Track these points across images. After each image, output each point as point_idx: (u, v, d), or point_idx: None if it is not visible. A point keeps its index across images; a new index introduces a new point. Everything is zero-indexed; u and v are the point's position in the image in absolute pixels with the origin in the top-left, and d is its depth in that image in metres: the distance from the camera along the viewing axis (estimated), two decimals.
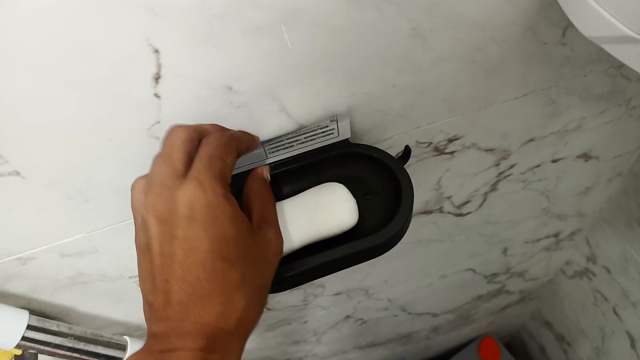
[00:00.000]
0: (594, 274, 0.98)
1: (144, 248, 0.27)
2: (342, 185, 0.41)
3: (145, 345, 0.26)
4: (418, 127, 0.49)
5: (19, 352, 0.43)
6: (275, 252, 0.32)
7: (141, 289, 0.29)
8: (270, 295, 0.67)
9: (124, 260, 0.49)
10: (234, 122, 0.39)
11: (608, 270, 0.93)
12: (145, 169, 0.39)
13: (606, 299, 0.97)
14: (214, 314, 0.25)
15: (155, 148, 0.38)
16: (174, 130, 0.30)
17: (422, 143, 0.51)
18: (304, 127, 0.42)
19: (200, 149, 0.29)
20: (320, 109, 0.41)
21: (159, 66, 0.33)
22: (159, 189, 0.27)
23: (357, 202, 0.41)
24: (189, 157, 0.28)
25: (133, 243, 0.47)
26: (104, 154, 0.37)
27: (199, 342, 0.24)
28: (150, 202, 0.27)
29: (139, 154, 0.38)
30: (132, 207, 0.30)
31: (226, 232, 0.26)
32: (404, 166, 0.43)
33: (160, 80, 0.34)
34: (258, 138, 0.37)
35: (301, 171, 0.43)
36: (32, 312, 0.50)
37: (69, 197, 0.39)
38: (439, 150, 0.54)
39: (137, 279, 0.53)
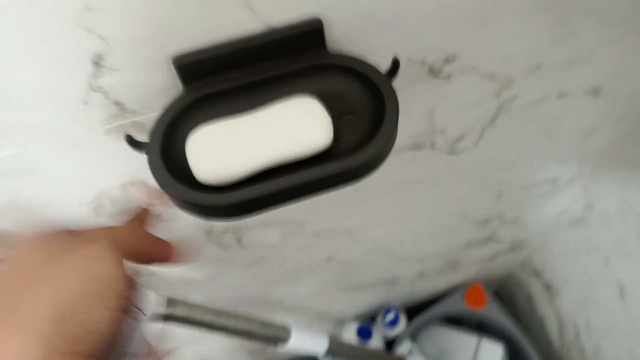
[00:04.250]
0: (589, 223, 0.94)
1: None
2: (314, 100, 0.35)
3: None
4: (409, 41, 0.42)
5: None
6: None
7: None
8: (244, 231, 0.63)
9: (70, 184, 0.43)
10: (181, 20, 0.32)
11: (604, 220, 0.89)
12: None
13: (598, 249, 0.94)
14: None
15: (88, 42, 0.32)
16: None
17: (414, 62, 0.45)
18: (272, 29, 0.35)
19: None
20: (293, 8, 0.34)
21: None
22: None
23: (332, 121, 0.35)
24: None
25: (78, 165, 0.42)
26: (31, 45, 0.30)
27: None
28: None
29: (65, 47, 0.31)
30: None
31: None
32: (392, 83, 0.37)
33: None
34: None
35: (267, 84, 0.36)
36: None
37: None
38: (433, 73, 0.47)
39: (91, 206, 0.48)
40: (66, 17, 0.29)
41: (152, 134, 0.34)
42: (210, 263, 0.67)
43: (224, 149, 0.33)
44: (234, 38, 0.35)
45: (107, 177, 0.44)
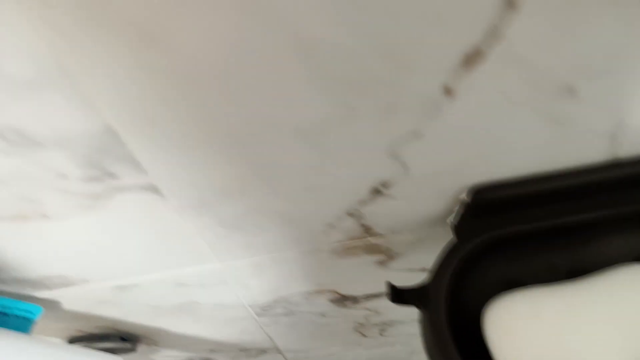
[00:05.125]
0: None
1: None
2: None
3: None
4: None
5: None
6: None
7: None
8: (389, 326, 0.53)
9: (253, 292, 0.34)
10: (527, 140, 0.22)
11: None
12: None
13: None
14: None
15: (385, 169, 0.22)
16: None
17: None
18: (618, 160, 0.25)
19: None
20: None
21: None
22: None
23: None
24: None
25: (272, 277, 0.33)
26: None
27: None
28: None
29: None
30: None
31: None
32: None
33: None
34: None
35: (582, 233, 0.26)
36: (119, 332, 0.37)
37: (222, 224, 0.24)
38: None
39: (256, 307, 0.40)
40: (380, 143, 0.20)
41: (433, 286, 0.25)
42: (348, 344, 0.58)
43: (551, 347, 0.23)
44: (555, 170, 0.25)
45: (294, 286, 0.35)
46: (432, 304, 0.25)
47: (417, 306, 0.26)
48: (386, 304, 0.44)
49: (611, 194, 0.26)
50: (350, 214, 0.26)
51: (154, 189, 0.20)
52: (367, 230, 0.28)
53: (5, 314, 0.29)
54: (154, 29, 0.14)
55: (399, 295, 0.26)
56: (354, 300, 0.41)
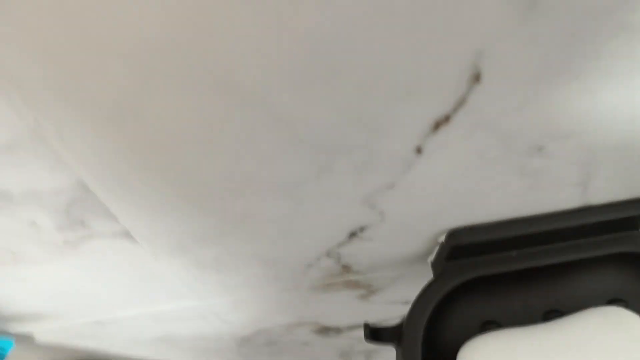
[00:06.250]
0: None
1: None
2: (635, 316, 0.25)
3: None
4: None
5: None
6: None
7: None
8: (375, 354, 0.53)
9: (233, 325, 0.34)
10: (501, 190, 0.23)
11: None
12: None
13: None
14: None
15: (362, 217, 0.22)
16: None
17: None
18: (589, 206, 0.25)
19: None
20: (626, 189, 0.24)
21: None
22: None
23: None
24: None
25: (252, 311, 0.33)
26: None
27: None
28: None
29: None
30: None
31: None
32: None
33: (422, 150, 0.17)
34: None
35: (556, 275, 0.26)
36: None
37: (198, 266, 0.24)
38: None
39: (237, 338, 0.40)
40: (356, 195, 0.20)
41: (409, 326, 0.25)
42: None
43: None
44: (529, 215, 0.25)
45: (275, 319, 0.35)
46: (408, 343, 0.25)
47: (394, 345, 0.26)
48: None
49: (584, 237, 0.26)
50: (329, 255, 0.26)
51: (126, 235, 0.20)
52: (346, 269, 0.28)
53: None
54: (127, 104, 0.14)
55: (375, 334, 0.26)
56: (337, 330, 0.41)
